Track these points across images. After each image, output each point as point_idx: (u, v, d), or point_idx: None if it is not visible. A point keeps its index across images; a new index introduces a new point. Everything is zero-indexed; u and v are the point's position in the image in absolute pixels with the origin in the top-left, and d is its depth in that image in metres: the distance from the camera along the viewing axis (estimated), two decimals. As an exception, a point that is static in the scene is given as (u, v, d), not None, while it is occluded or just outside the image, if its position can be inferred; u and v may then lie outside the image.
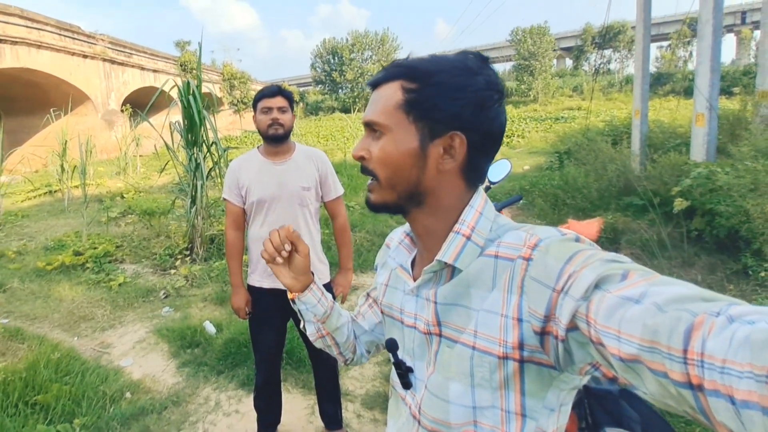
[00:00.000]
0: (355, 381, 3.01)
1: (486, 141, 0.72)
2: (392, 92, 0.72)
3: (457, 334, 0.71)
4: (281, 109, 2.08)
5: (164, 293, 4.70)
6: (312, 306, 0.94)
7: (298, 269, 0.91)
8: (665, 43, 40.56)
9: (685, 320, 0.43)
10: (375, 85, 0.76)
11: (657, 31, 42.28)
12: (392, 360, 0.82)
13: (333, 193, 2.25)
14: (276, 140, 2.10)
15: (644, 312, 0.47)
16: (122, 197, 9.66)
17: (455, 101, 0.69)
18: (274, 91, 2.10)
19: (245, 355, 3.24)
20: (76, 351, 3.58)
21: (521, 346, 0.64)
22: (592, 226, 2.18)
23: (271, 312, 2.22)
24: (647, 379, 0.47)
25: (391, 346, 0.82)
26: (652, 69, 35.78)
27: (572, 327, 0.56)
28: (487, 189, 2.44)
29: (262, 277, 2.19)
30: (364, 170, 0.76)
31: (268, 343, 2.28)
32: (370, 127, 0.75)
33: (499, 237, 0.71)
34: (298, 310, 0.96)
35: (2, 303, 4.66)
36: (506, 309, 0.65)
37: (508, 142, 17.87)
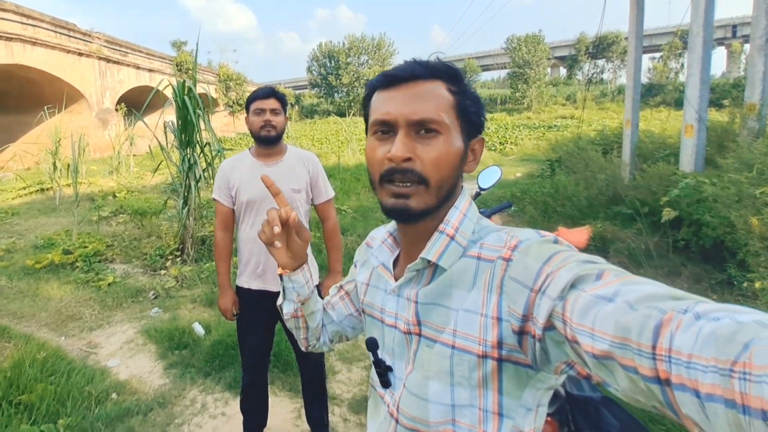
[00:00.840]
0: (342, 385, 3.02)
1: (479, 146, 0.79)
2: (440, 91, 0.71)
3: (437, 334, 0.72)
4: (274, 111, 2.09)
5: (154, 294, 4.69)
6: (299, 286, 0.93)
7: (296, 252, 0.89)
8: (657, 55, 40.81)
9: (654, 317, 0.44)
10: (409, 79, 0.72)
11: (649, 43, 42.66)
12: (372, 359, 0.82)
13: (323, 195, 2.26)
14: (268, 142, 2.11)
15: (616, 310, 0.48)
16: (114, 196, 9.62)
17: (479, 107, 0.75)
18: (268, 92, 2.11)
19: (233, 357, 3.23)
20: (63, 350, 3.56)
21: (500, 345, 0.65)
22: (582, 234, 2.21)
23: (259, 314, 2.23)
24: (619, 375, 0.48)
25: (372, 345, 0.82)
26: (644, 80, 36.11)
27: (549, 326, 0.58)
28: (477, 195, 2.46)
29: (250, 279, 2.19)
30: (403, 171, 0.70)
31: (255, 345, 2.28)
32: (421, 125, 0.70)
33: (482, 239, 0.73)
34: (283, 287, 0.96)
35: (-11, 301, 4.63)
36: (486, 308, 0.67)
37: (501, 149, 18.01)
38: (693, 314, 0.43)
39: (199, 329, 3.73)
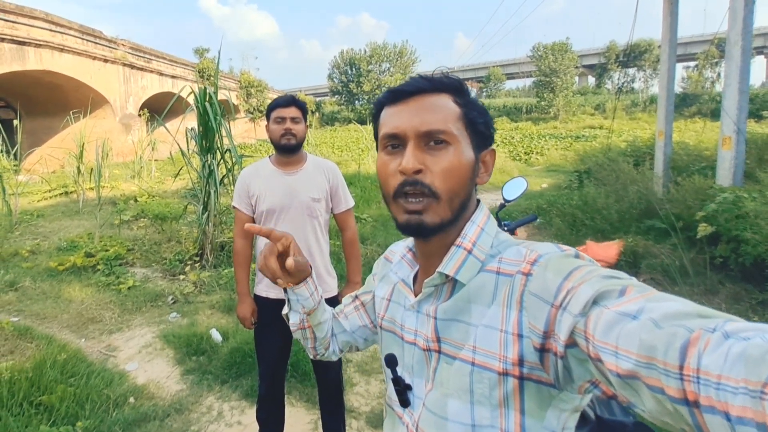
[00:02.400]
0: (360, 397, 2.98)
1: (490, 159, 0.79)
2: (447, 103, 0.72)
3: (456, 350, 0.70)
4: (294, 120, 2.08)
5: (172, 298, 4.72)
6: (304, 298, 0.94)
7: (297, 269, 0.89)
8: (692, 64, 39.82)
9: (681, 336, 0.43)
10: (416, 93, 0.73)
11: (684, 51, 41.92)
12: (391, 376, 0.80)
13: (343, 205, 2.24)
14: (288, 150, 2.11)
15: (641, 328, 0.47)
16: (135, 200, 9.76)
17: (487, 119, 0.76)
18: (288, 100, 2.11)
19: (250, 366, 3.23)
20: (83, 353, 3.60)
21: (521, 362, 0.63)
22: (611, 248, 2.16)
23: (277, 323, 2.21)
24: (644, 395, 0.47)
25: (390, 361, 0.81)
26: (679, 89, 35.47)
27: (571, 343, 0.56)
28: (501, 207, 2.43)
29: (268, 288, 2.18)
30: (415, 184, 0.70)
31: (273, 354, 2.27)
32: (430, 136, 0.70)
33: (500, 253, 0.72)
34: (287, 299, 0.96)
35: (13, 301, 4.71)
36: (505, 324, 0.65)
37: (526, 160, 17.76)
38: (722, 333, 0.41)
39: (216, 336, 3.73)
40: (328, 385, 2.33)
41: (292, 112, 2.08)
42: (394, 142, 0.73)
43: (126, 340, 3.93)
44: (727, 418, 0.38)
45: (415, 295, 0.80)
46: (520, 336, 0.63)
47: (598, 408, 1.42)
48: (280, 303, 2.14)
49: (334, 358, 1.05)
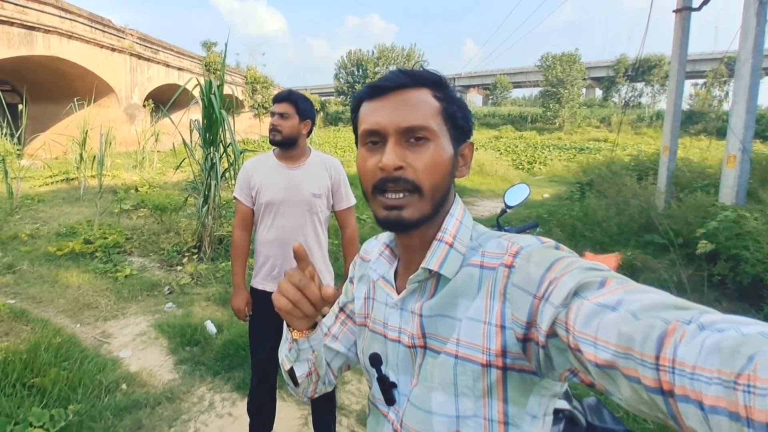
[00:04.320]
0: (351, 396, 3.00)
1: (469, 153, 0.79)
2: (427, 98, 0.72)
3: (441, 345, 0.71)
4: (282, 115, 2.08)
5: (168, 289, 4.74)
6: (317, 342, 0.85)
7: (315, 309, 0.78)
8: (700, 81, 39.59)
9: (658, 327, 0.44)
10: (396, 88, 0.72)
11: (692, 68, 41.71)
12: (375, 375, 0.79)
13: (344, 202, 2.24)
14: (275, 145, 2.13)
15: (620, 319, 0.48)
16: (136, 190, 9.77)
17: (466, 113, 0.75)
18: (282, 96, 2.12)
19: (243, 358, 3.24)
20: (77, 338, 3.62)
21: (504, 353, 0.64)
22: (610, 260, 2.16)
23: (270, 316, 2.22)
24: (622, 384, 0.48)
25: (375, 361, 0.79)
26: (686, 106, 35.29)
27: (552, 333, 0.57)
28: (503, 212, 2.44)
29: (265, 281, 2.20)
30: (396, 180, 0.69)
31: (266, 347, 2.28)
32: (411, 132, 0.70)
33: (481, 246, 0.72)
34: (297, 350, 0.84)
35: (11, 284, 4.73)
36: (489, 316, 0.66)
37: (529, 169, 17.78)
38: (697, 325, 0.43)
39: (211, 327, 3.75)
40: None
41: (282, 107, 2.08)
42: (374, 139, 0.73)
43: (121, 327, 3.94)
44: (700, 407, 0.40)
45: (398, 292, 0.79)
46: (503, 327, 0.64)
47: (588, 415, 1.44)
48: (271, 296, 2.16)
49: (330, 388, 0.96)
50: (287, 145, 2.13)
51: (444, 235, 0.73)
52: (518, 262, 0.65)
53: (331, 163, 2.24)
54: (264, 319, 2.23)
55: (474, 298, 0.68)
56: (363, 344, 0.86)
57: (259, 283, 2.22)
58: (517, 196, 2.39)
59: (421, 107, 0.71)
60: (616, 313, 0.49)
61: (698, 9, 6.95)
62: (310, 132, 2.19)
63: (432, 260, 0.72)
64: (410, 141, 0.70)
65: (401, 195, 0.70)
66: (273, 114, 2.11)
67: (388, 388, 0.77)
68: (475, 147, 0.81)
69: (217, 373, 3.17)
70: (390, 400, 0.77)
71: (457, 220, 0.75)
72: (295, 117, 2.10)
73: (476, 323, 0.67)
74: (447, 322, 0.71)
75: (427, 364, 0.72)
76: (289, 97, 2.12)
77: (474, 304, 0.68)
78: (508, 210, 2.43)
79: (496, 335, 0.65)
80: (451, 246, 0.72)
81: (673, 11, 7.07)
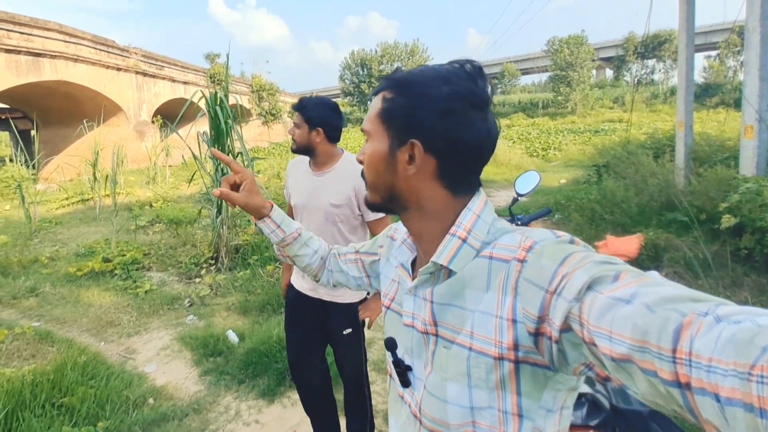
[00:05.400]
0: (377, 396, 2.96)
1: (456, 149, 0.72)
2: (377, 102, 0.78)
3: (454, 335, 0.72)
4: (296, 125, 2.10)
5: (189, 301, 4.77)
6: (267, 233, 1.08)
7: (252, 204, 1.03)
8: (713, 53, 38.64)
9: (674, 320, 0.44)
10: (373, 95, 0.81)
11: (704, 40, 40.60)
12: (391, 359, 0.83)
13: (372, 214, 2.11)
14: (296, 153, 2.15)
15: (635, 312, 0.48)
16: (150, 206, 9.89)
17: (415, 110, 0.72)
18: (294, 105, 2.14)
19: (266, 365, 3.24)
20: (102, 355, 3.65)
21: (516, 347, 0.65)
22: (632, 242, 2.12)
23: (297, 313, 2.21)
24: (638, 378, 0.48)
25: (390, 344, 0.84)
26: (700, 79, 34.54)
27: (566, 328, 0.57)
28: (515, 201, 2.40)
29: (295, 278, 2.22)
30: (361, 172, 0.84)
31: (295, 342, 2.25)
32: (364, 133, 0.81)
33: (495, 239, 0.72)
34: (259, 230, 1.09)
35: (34, 307, 4.80)
36: (500, 310, 0.66)
37: (543, 155, 17.51)
38: (714, 317, 0.43)
39: (233, 337, 3.76)
40: (348, 380, 2.28)
41: (296, 116, 2.11)
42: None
43: (144, 342, 3.98)
44: (717, 399, 0.40)
45: (413, 279, 0.82)
46: (514, 321, 0.65)
47: (613, 397, 1.40)
48: (300, 296, 2.15)
49: (328, 288, 1.25)
50: (304, 153, 2.14)
51: (458, 229, 0.73)
52: (531, 257, 0.65)
53: (358, 170, 2.15)
54: (292, 315, 2.25)
55: (485, 290, 0.69)
56: (385, 326, 0.93)
57: (293, 279, 2.24)
58: (527, 183, 2.35)
59: (370, 111, 0.80)
60: (631, 306, 0.49)
61: (703, -20, 6.78)
62: (332, 137, 2.12)
63: (442, 255, 0.73)
64: (366, 140, 0.81)
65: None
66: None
67: (403, 371, 0.81)
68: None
69: (242, 382, 3.18)
70: (405, 383, 0.81)
71: (475, 214, 0.75)
72: (304, 126, 2.07)
73: (488, 317, 0.68)
74: (456, 312, 0.72)
75: (440, 353, 0.74)
76: (299, 105, 2.11)
77: (486, 297, 0.69)
78: (519, 198, 2.39)
79: (508, 329, 0.65)
80: (464, 241, 0.73)
81: (678, -17, 6.91)
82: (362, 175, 0.84)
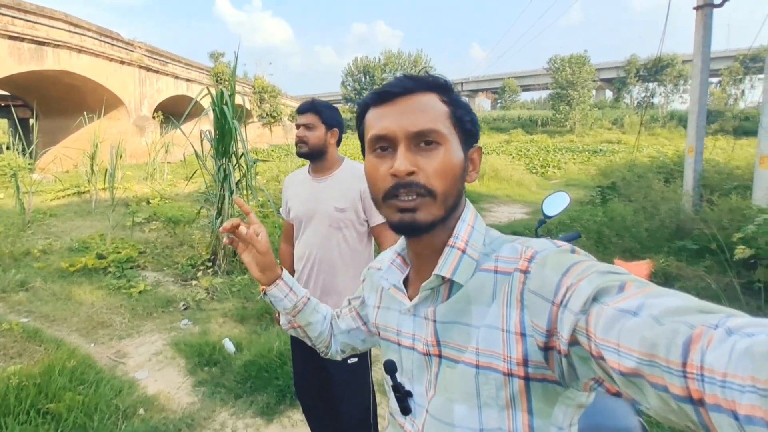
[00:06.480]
0: (382, 420, 2.83)
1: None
2: (434, 102, 0.71)
3: (458, 354, 0.69)
4: (308, 126, 1.98)
5: (184, 305, 4.62)
6: (278, 300, 0.97)
7: (262, 264, 0.93)
8: (715, 80, 39.17)
9: (682, 333, 0.43)
10: (402, 93, 0.72)
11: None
12: (390, 383, 0.79)
13: (377, 217, 1.99)
14: (303, 157, 2.02)
15: (642, 324, 0.46)
16: (148, 203, 9.73)
17: (473, 116, 0.75)
18: (306, 107, 2.02)
19: (266, 381, 3.09)
20: (92, 358, 3.50)
21: (526, 362, 0.62)
22: (641, 268, 2.03)
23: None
24: (648, 393, 0.46)
25: (390, 368, 0.79)
26: None
27: (573, 341, 0.56)
28: (541, 223, 2.29)
29: None
30: (407, 185, 0.68)
31: (301, 357, 2.11)
32: (421, 137, 0.69)
33: (495, 251, 0.71)
34: (270, 302, 0.99)
35: (24, 301, 4.64)
36: (506, 323, 0.64)
37: (543, 173, 17.52)
38: (725, 330, 0.41)
39: (229, 346, 3.61)
40: (349, 421, 2.04)
41: (307, 118, 1.99)
42: (383, 144, 0.72)
43: (136, 346, 3.82)
44: (734, 417, 0.37)
45: (410, 299, 0.78)
46: (523, 335, 0.62)
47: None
48: None
49: (338, 358, 1.07)
50: (315, 157, 2.01)
51: (456, 241, 0.72)
52: (533, 268, 0.63)
53: (363, 173, 2.05)
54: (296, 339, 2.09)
55: (490, 304, 0.67)
56: (381, 352, 0.88)
57: None
58: (556, 204, 2.26)
59: (429, 111, 0.70)
60: (638, 318, 0.47)
61: (720, 5, 6.75)
62: (339, 141, 2.07)
63: (444, 267, 0.70)
64: (420, 146, 0.70)
65: (414, 197, 0.69)
66: (298, 126, 2.00)
67: (403, 397, 0.76)
68: (485, 151, 0.76)
69: (239, 397, 3.02)
70: (405, 410, 0.76)
71: (469, 225, 0.74)
72: (321, 127, 1.99)
73: (494, 330, 0.65)
74: (462, 330, 0.69)
75: (444, 374, 0.71)
76: (312, 106, 2.01)
77: (491, 311, 0.66)
78: (546, 220, 2.29)
79: (517, 343, 0.63)
80: (463, 252, 0.71)
81: (694, 8, 6.88)
82: (417, 187, 0.68)
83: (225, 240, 0.96)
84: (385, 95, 0.73)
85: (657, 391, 0.44)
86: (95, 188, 10.00)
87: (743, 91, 34.72)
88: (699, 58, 6.83)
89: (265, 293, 0.99)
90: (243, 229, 0.91)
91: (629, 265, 2.01)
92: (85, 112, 12.54)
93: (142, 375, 3.36)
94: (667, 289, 0.50)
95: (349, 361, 1.94)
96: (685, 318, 0.44)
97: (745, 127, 30.06)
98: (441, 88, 0.73)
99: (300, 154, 2.01)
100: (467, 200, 0.77)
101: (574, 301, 0.55)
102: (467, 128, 0.74)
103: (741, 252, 3.87)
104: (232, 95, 5.51)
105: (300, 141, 1.98)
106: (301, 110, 2.02)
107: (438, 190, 0.69)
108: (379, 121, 0.73)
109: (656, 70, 40.81)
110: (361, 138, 0.79)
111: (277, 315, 1.01)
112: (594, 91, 44.59)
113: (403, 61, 47.94)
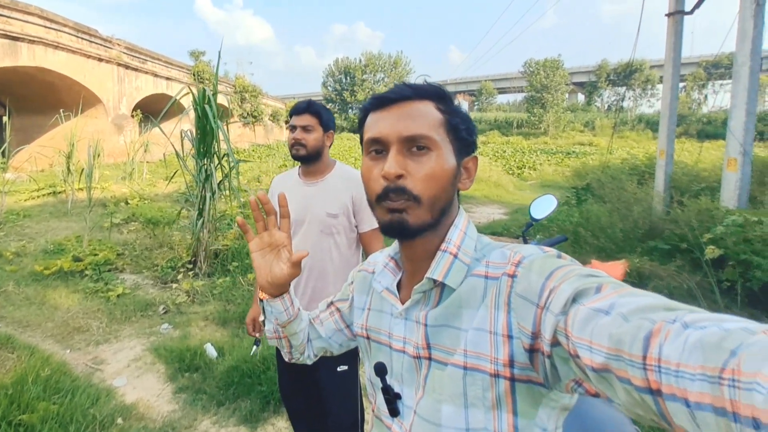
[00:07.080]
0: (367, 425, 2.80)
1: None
2: (429, 110, 0.73)
3: (447, 356, 0.70)
4: (305, 128, 1.92)
5: (164, 308, 4.51)
6: (278, 312, 0.93)
7: (277, 278, 0.87)
8: (680, 85, 40.68)
9: (645, 328, 0.45)
10: (400, 100, 0.74)
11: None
12: (380, 385, 0.79)
13: (367, 224, 1.96)
14: (299, 160, 1.95)
15: (612, 322, 0.49)
16: (126, 203, 9.52)
17: (470, 126, 0.77)
18: (302, 108, 1.95)
19: (249, 387, 3.01)
20: (68, 365, 3.38)
21: (512, 363, 0.64)
22: (617, 268, 2.04)
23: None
24: (617, 387, 0.48)
25: (380, 370, 0.79)
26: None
27: (555, 342, 0.57)
28: (529, 226, 2.29)
29: None
30: (396, 190, 0.70)
31: (286, 367, 2.05)
32: (412, 142, 0.71)
33: (485, 256, 0.73)
34: (263, 308, 0.95)
35: (-5, 307, 4.47)
36: (494, 326, 0.66)
37: (519, 174, 17.74)
38: (681, 324, 0.43)
39: (211, 351, 3.52)
40: (340, 423, 1.99)
41: (304, 120, 1.92)
42: (378, 147, 0.74)
43: (114, 352, 3.71)
44: (686, 404, 0.40)
45: (402, 303, 0.79)
46: (510, 337, 0.64)
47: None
48: None
49: (309, 362, 1.05)
50: (311, 160, 1.95)
51: (448, 245, 0.74)
52: (520, 272, 0.65)
53: (355, 178, 1.97)
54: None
55: (479, 308, 0.68)
56: (368, 355, 0.88)
57: None
58: (544, 208, 2.26)
59: (423, 118, 0.72)
60: (609, 317, 0.49)
61: (690, 12, 6.88)
62: (331, 143, 2.01)
63: (437, 270, 0.72)
64: (412, 150, 0.71)
65: (403, 201, 0.70)
66: (293, 128, 1.93)
67: (392, 399, 0.77)
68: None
69: (221, 404, 2.94)
70: (394, 411, 0.77)
71: (462, 231, 0.76)
72: (319, 129, 1.94)
73: (482, 333, 0.67)
74: (452, 333, 0.70)
75: (433, 375, 0.72)
76: (310, 108, 1.95)
77: (479, 314, 0.68)
78: (534, 223, 2.29)
79: (503, 345, 0.64)
80: (455, 256, 0.73)
81: (666, 15, 7.02)
82: (404, 191, 0.70)
83: (238, 219, 0.90)
84: (383, 101, 0.75)
85: (623, 385, 0.46)
86: (72, 188, 9.74)
87: (706, 96, 35.84)
88: (670, 64, 7.00)
89: (262, 300, 0.94)
90: (273, 207, 0.88)
91: (605, 266, 2.02)
92: (61, 110, 12.19)
93: (121, 382, 3.25)
94: (640, 290, 0.53)
95: (339, 368, 1.90)
96: (649, 315, 0.46)
97: (707, 131, 31.10)
98: (438, 96, 0.75)
99: (296, 157, 1.94)
100: (461, 207, 0.79)
101: (555, 303, 0.57)
102: (462, 137, 0.75)
103: (711, 252, 3.95)
104: (214, 94, 5.40)
105: (297, 143, 1.91)
106: (298, 111, 1.95)
107: (424, 195, 0.70)
108: (375, 125, 0.75)
109: (625, 75, 41.83)
110: (361, 141, 0.80)
111: (262, 319, 0.96)
112: (567, 95, 45.51)
113: (383, 62, 48.00)
